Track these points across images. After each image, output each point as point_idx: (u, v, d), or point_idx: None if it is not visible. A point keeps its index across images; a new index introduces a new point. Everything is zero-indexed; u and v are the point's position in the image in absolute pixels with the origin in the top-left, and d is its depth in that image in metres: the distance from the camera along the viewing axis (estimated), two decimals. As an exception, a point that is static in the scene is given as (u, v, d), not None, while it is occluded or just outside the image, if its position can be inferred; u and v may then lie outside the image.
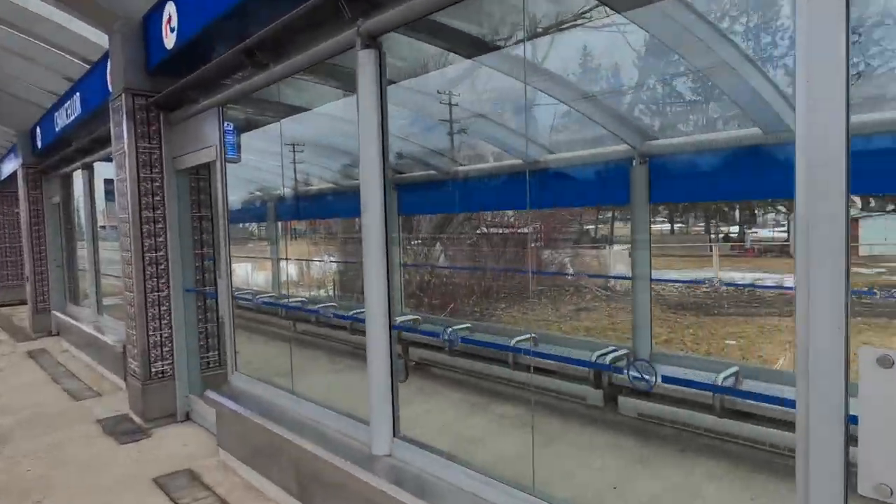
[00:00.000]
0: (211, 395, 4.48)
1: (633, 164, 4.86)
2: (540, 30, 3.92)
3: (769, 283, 18.04)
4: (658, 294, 15.52)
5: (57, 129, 8.08)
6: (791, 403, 1.73)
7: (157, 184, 5.29)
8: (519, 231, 16.70)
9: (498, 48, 3.60)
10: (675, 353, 6.87)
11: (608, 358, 4.74)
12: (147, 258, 5.24)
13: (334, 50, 3.19)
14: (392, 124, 3.25)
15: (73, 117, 7.31)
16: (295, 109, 5.31)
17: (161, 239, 5.31)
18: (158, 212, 5.29)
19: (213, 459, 4.51)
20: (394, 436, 3.17)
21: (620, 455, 4.32)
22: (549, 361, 5.26)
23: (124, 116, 5.12)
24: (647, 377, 3.82)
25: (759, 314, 12.14)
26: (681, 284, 16.46)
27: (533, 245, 16.53)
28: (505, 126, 5.36)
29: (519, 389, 5.50)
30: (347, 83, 4.23)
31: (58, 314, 9.27)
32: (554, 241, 17.53)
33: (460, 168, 6.40)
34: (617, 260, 17.47)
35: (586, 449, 4.47)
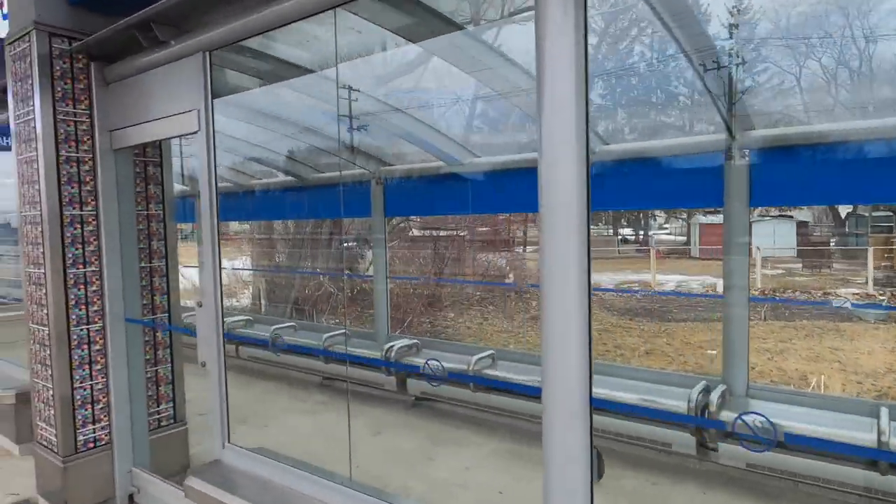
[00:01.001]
0: (196, 482, 2.98)
1: (732, 158, 3.99)
2: None
3: (694, 284, 18.53)
4: (600, 299, 15.23)
5: None
6: None
7: (87, 168, 3.64)
8: (458, 234, 15.70)
9: None
10: (777, 387, 6.16)
11: (713, 398, 3.82)
12: (71, 276, 3.57)
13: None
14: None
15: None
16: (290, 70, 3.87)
17: (93, 248, 3.66)
18: (89, 208, 3.64)
19: (196, 579, 3.02)
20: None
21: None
22: (615, 398, 4.26)
23: (35, 66, 3.44)
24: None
25: (711, 319, 12.05)
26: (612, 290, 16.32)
27: (467, 248, 15.61)
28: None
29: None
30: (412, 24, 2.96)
31: None
32: (484, 244, 16.76)
33: (477, 160, 5.23)
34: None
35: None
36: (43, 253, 3.53)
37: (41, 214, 3.51)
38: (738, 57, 4.38)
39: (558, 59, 1.83)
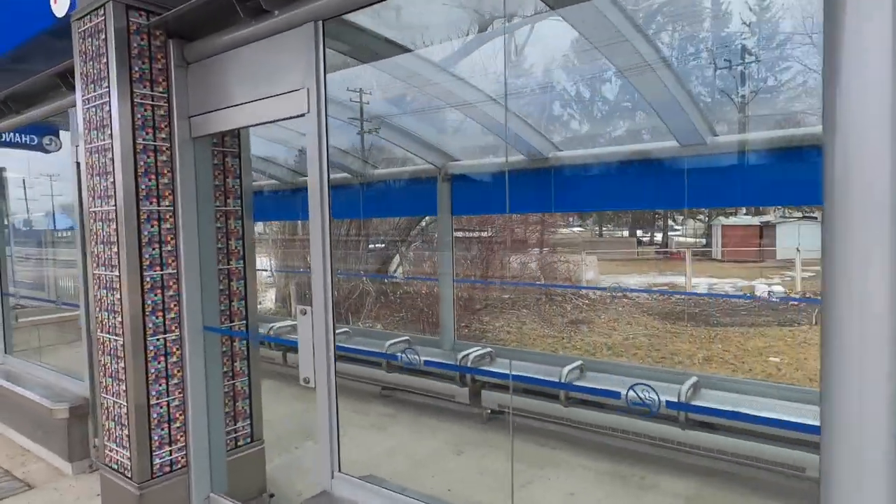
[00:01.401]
0: (308, 521, 2.57)
1: None
2: None
3: (727, 287, 18.06)
4: (634, 302, 14.77)
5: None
6: None
7: (164, 158, 3.25)
8: (482, 235, 15.27)
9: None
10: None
11: None
12: (148, 279, 3.17)
13: None
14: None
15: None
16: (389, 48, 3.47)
17: (170, 248, 3.26)
18: (166, 203, 3.25)
19: None
20: None
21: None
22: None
23: (111, 43, 3.05)
24: None
25: (759, 324, 11.58)
26: (646, 292, 15.86)
27: (496, 249, 15.18)
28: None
29: (707, 459, 4.02)
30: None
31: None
32: (512, 244, 16.37)
33: (561, 154, 4.82)
34: (588, 266, 16.57)
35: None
36: (117, 253, 3.14)
37: (116, 210, 3.12)
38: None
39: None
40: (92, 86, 3.21)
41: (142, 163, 3.14)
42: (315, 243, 2.72)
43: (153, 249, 3.20)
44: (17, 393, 4.74)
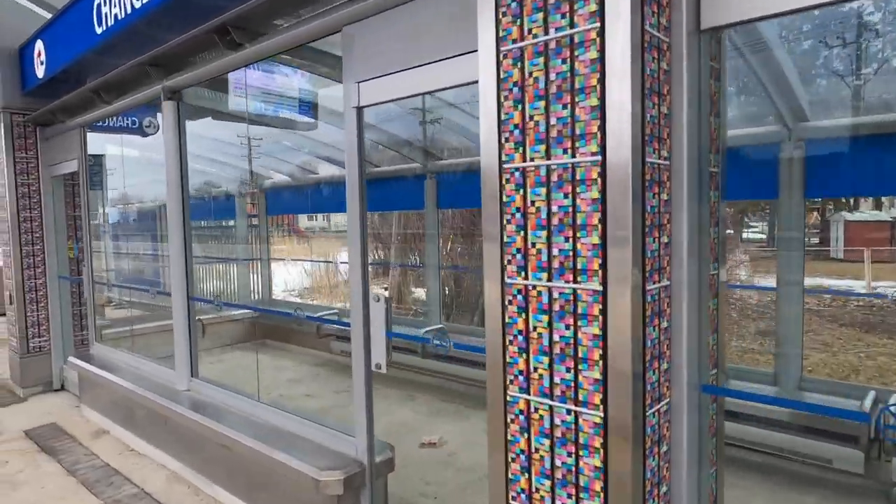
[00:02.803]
0: None
1: None
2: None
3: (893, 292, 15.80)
4: (807, 308, 12.75)
5: None
6: None
7: (665, 66, 1.69)
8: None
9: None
10: None
11: None
12: (648, 299, 1.64)
13: None
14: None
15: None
16: None
17: (665, 240, 1.72)
18: (664, 153, 1.70)
19: None
20: None
21: None
22: None
23: None
24: None
25: None
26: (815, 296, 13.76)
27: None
28: None
29: None
30: None
31: (81, 364, 5.15)
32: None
33: None
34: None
35: None
36: (600, 245, 1.61)
37: (604, 162, 1.59)
38: None
39: None
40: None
41: (647, 71, 1.60)
42: None
43: (654, 242, 1.66)
44: (243, 444, 3.32)
